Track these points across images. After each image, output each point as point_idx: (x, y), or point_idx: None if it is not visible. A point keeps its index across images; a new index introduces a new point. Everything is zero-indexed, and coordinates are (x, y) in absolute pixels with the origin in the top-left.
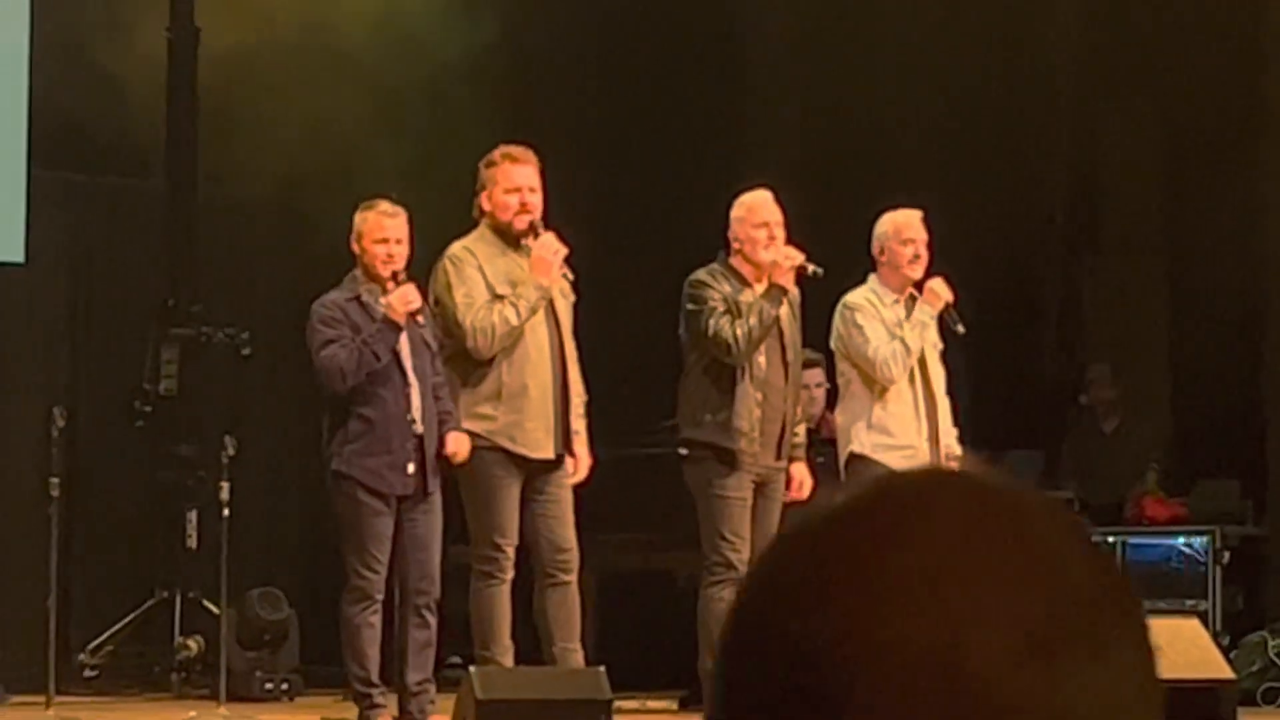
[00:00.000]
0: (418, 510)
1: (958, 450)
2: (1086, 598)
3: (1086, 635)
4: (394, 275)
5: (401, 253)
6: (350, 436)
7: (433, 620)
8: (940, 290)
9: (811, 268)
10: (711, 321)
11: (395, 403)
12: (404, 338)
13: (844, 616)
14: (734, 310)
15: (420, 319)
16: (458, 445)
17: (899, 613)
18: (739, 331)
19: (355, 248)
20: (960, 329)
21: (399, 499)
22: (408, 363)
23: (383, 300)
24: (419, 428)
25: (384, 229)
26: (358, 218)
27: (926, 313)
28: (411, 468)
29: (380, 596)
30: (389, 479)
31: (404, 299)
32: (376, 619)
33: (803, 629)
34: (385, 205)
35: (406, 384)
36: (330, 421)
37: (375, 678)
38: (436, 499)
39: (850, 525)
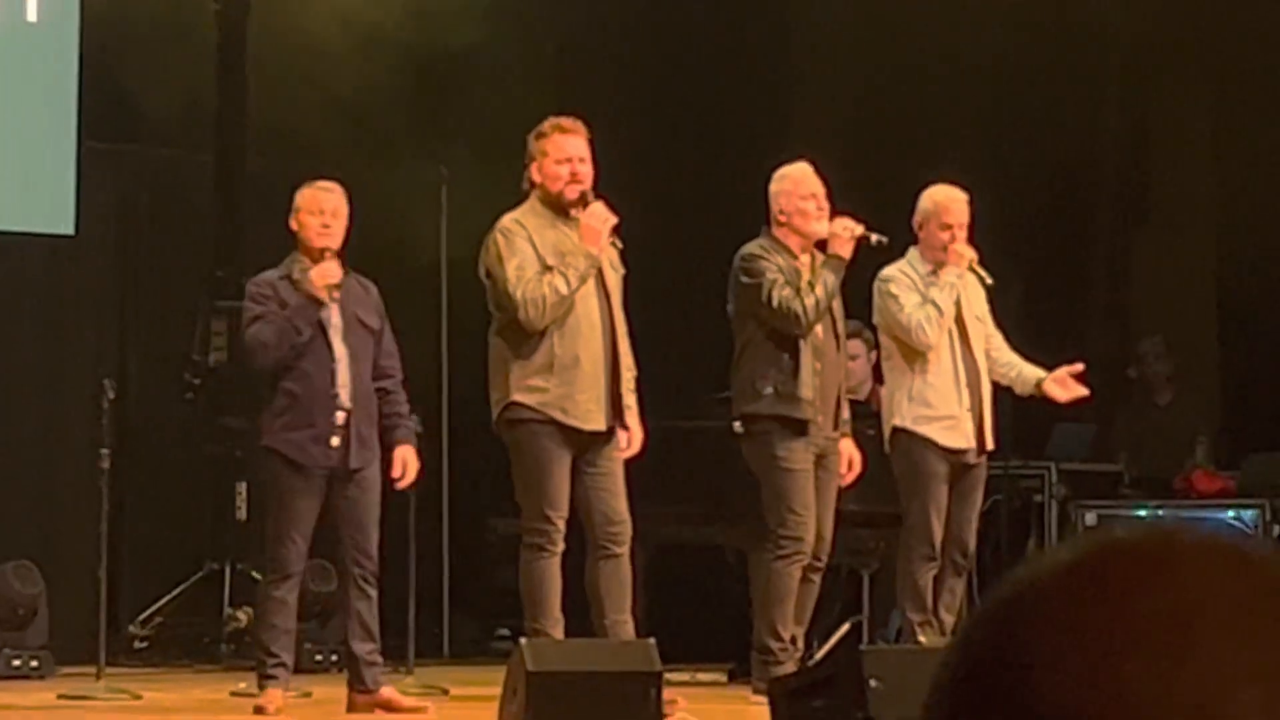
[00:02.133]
0: (349, 487)
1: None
2: None
3: None
4: (323, 251)
5: (338, 227)
6: (276, 411)
7: (373, 591)
8: (962, 250)
9: (875, 237)
10: (775, 293)
11: (320, 377)
12: (335, 312)
13: (1091, 671)
14: (790, 281)
15: (337, 294)
16: (404, 465)
17: (1154, 666)
18: (807, 302)
19: (293, 224)
20: (989, 280)
21: (328, 476)
22: (336, 337)
23: (307, 276)
24: (345, 401)
25: (319, 202)
26: (296, 196)
27: (953, 273)
28: (335, 441)
29: (298, 572)
30: (311, 452)
31: (323, 274)
32: (293, 596)
33: (1045, 686)
34: (323, 182)
35: (333, 359)
36: (262, 397)
37: (276, 649)
38: (370, 475)
39: (1087, 576)
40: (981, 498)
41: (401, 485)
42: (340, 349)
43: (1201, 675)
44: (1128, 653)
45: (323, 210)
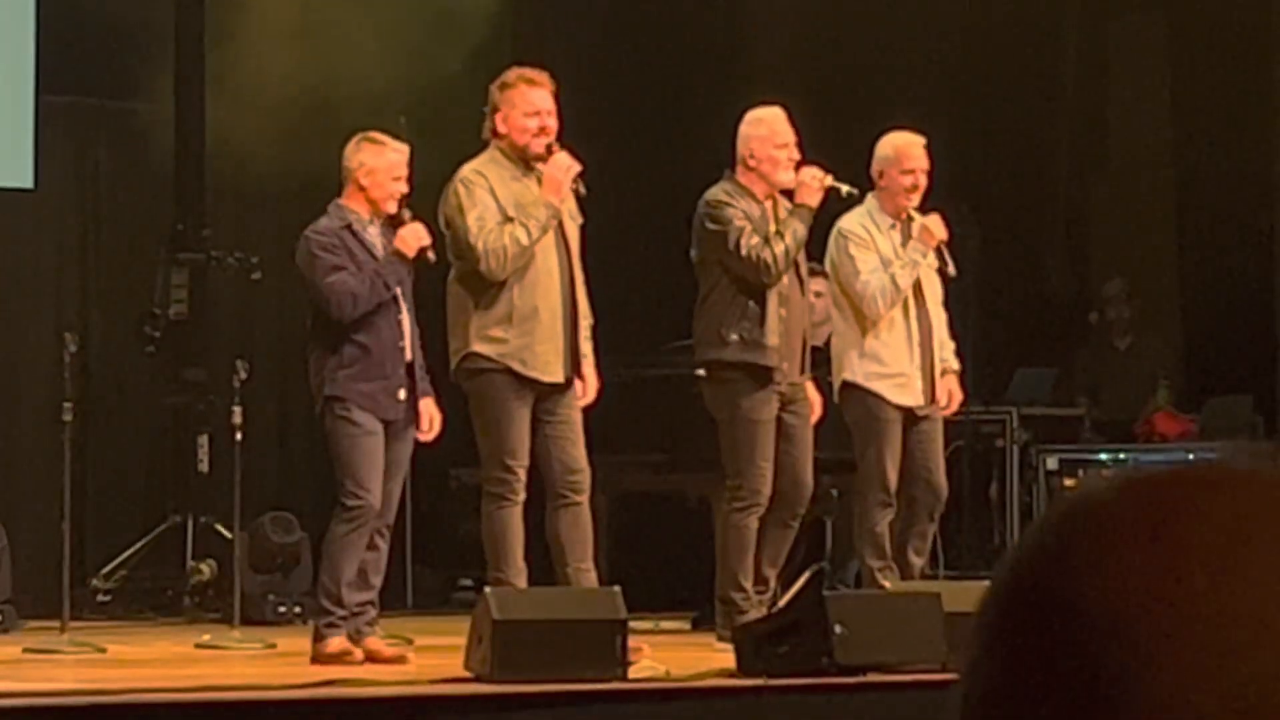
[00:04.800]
0: (401, 438)
1: (955, 365)
2: None
3: None
4: (400, 212)
5: (406, 188)
6: (346, 362)
7: (385, 544)
8: (935, 229)
9: (845, 188)
10: (743, 241)
11: (389, 330)
12: None
13: (1152, 579)
14: (757, 229)
15: (432, 255)
16: (430, 419)
17: (1213, 576)
18: (776, 250)
19: (364, 180)
20: (951, 271)
21: (387, 425)
22: (399, 291)
23: (399, 234)
24: (409, 355)
25: (400, 167)
26: (370, 152)
27: (919, 251)
28: (403, 394)
29: (372, 518)
30: (383, 404)
31: (417, 235)
32: (364, 542)
33: (1093, 600)
34: (394, 143)
35: (399, 311)
36: (321, 349)
37: (344, 598)
38: (413, 428)
39: (1146, 493)
40: (943, 438)
41: (427, 438)
42: (404, 302)
43: (1259, 585)
44: (1188, 562)
45: (400, 175)
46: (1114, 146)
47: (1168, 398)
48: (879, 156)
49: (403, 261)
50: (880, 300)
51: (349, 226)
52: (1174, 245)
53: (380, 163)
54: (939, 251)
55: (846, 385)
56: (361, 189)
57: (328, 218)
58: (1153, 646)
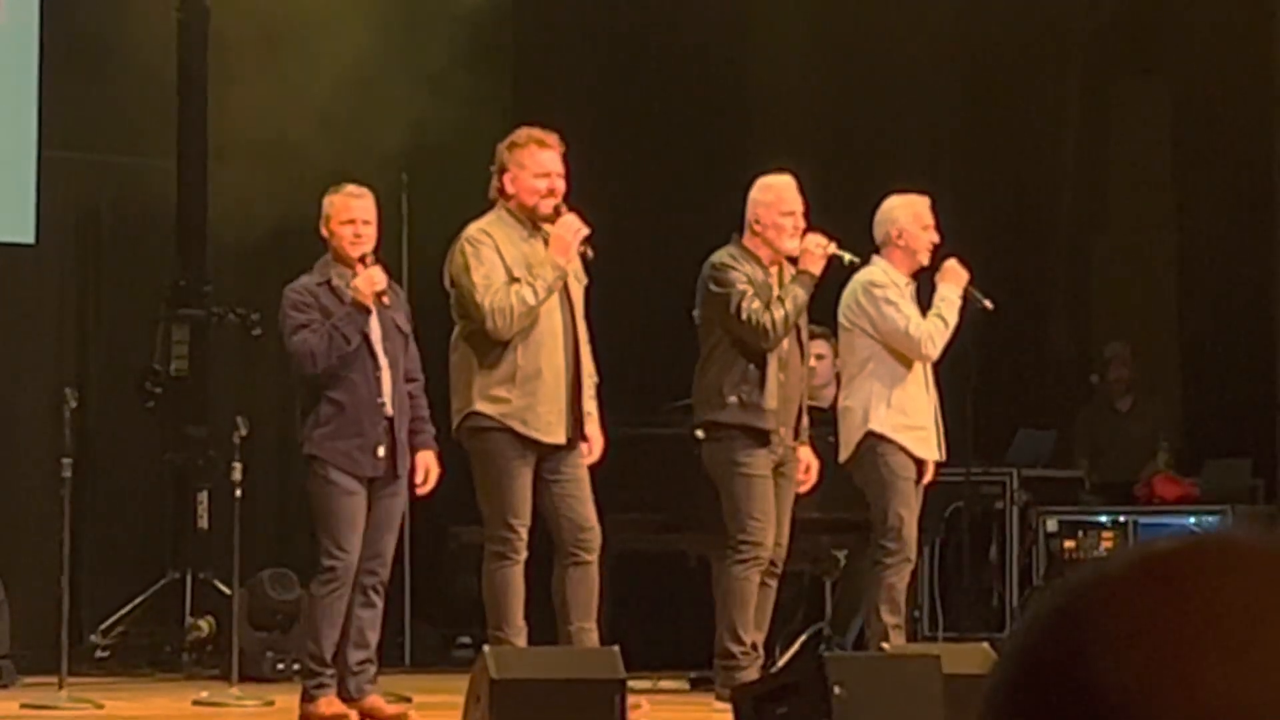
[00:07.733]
0: (385, 492)
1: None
2: None
3: None
4: (362, 257)
5: (369, 234)
6: (321, 420)
7: (380, 601)
8: (960, 269)
9: (848, 256)
10: (744, 305)
11: (366, 386)
12: (374, 320)
13: (1159, 662)
14: (760, 293)
15: (387, 299)
16: (426, 471)
17: (1221, 660)
18: (776, 316)
19: (324, 231)
20: (989, 304)
21: (369, 481)
22: (378, 346)
23: (351, 284)
24: (389, 410)
25: (350, 210)
26: (325, 201)
27: (953, 290)
28: (382, 450)
29: (351, 579)
30: (360, 461)
31: (370, 281)
32: (343, 603)
33: (1106, 679)
34: (351, 187)
35: (377, 367)
36: (302, 406)
37: (329, 658)
38: (404, 483)
39: (1154, 573)
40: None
41: (422, 491)
42: (383, 357)
43: (1267, 671)
44: (1195, 646)
45: (354, 219)
46: (1115, 209)
47: (1168, 460)
48: (892, 219)
49: (362, 312)
50: (937, 339)
51: (328, 282)
52: (1174, 308)
53: (331, 209)
54: (967, 290)
55: (872, 435)
56: (330, 241)
57: (309, 274)
58: None
